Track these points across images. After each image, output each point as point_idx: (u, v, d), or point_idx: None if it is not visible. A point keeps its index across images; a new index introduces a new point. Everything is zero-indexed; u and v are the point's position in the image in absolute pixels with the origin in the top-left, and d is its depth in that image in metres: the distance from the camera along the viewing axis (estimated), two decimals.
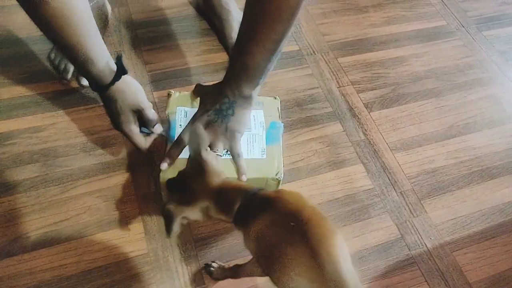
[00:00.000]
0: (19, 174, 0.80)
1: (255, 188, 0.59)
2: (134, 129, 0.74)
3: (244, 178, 0.70)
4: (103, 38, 0.99)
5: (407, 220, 0.83)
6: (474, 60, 1.14)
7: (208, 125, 0.69)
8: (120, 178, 0.82)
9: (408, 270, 0.77)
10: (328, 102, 0.99)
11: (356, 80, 1.04)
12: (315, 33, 1.12)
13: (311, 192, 0.85)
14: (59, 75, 0.92)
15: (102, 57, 0.68)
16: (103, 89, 0.70)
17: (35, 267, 0.71)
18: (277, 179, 0.72)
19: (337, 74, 1.05)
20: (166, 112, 0.78)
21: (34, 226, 0.75)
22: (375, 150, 0.93)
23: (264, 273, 0.57)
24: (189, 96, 0.80)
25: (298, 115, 0.96)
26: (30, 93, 0.90)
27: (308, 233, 0.52)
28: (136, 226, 0.77)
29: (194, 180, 0.60)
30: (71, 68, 0.92)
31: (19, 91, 0.90)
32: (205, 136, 0.67)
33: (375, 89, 1.03)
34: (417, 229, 0.82)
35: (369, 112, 0.99)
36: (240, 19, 1.03)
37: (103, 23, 1.01)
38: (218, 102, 0.69)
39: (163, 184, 0.68)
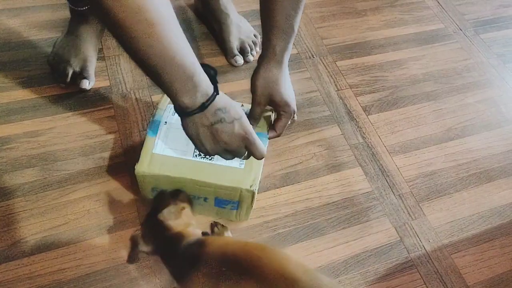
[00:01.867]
0: (18, 178, 0.80)
1: (189, 241, 0.58)
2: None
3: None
4: (101, 42, 1.01)
5: (406, 223, 0.83)
6: (472, 63, 1.14)
7: None
8: (119, 182, 0.82)
9: (407, 272, 0.77)
10: (326, 105, 1.00)
11: (355, 83, 1.05)
12: (314, 37, 1.13)
13: (310, 195, 0.85)
14: (58, 78, 0.93)
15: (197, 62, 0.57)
16: (213, 96, 0.57)
17: (34, 271, 0.71)
18: (251, 190, 0.69)
19: (336, 78, 1.05)
20: (156, 107, 0.77)
21: (33, 230, 0.75)
22: (373, 153, 0.93)
23: None
24: None
25: (296, 118, 0.96)
26: (28, 97, 0.90)
27: (243, 263, 0.51)
28: (134, 231, 0.77)
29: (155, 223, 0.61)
30: (70, 72, 0.92)
31: (18, 95, 0.90)
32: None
33: (374, 92, 1.04)
34: (415, 232, 0.82)
35: (367, 115, 0.99)
36: (239, 23, 1.05)
37: (100, 26, 1.01)
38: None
39: (140, 177, 0.70)
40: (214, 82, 0.58)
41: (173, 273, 0.59)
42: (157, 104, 0.78)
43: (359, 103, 1.01)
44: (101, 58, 0.99)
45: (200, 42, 1.07)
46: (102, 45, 1.01)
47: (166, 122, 0.75)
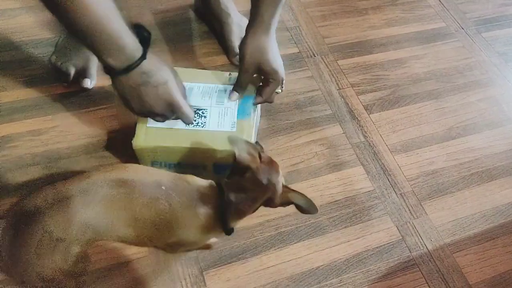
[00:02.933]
0: (21, 176, 0.80)
1: None
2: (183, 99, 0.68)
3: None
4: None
5: (408, 221, 0.83)
6: (474, 61, 1.14)
7: None
8: None
9: (409, 271, 0.77)
10: (327, 104, 1.00)
11: (356, 82, 1.05)
12: (315, 36, 1.13)
13: (312, 194, 0.85)
14: (60, 78, 0.93)
15: (127, 29, 0.59)
16: (140, 60, 0.60)
17: None
18: None
19: (337, 76, 1.05)
20: None
21: None
22: (375, 152, 0.93)
23: None
24: (190, 72, 0.81)
25: (298, 117, 0.96)
26: (31, 96, 0.91)
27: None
28: None
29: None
30: (72, 71, 0.92)
31: (20, 94, 0.91)
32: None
33: (375, 91, 1.04)
34: (417, 231, 0.82)
35: (369, 114, 0.99)
36: (240, 22, 1.05)
37: None
38: None
39: (138, 151, 0.73)
40: (146, 45, 0.61)
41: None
42: None
43: (360, 102, 1.01)
44: None
45: (201, 41, 1.07)
46: None
47: None
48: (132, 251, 0.75)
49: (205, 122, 0.74)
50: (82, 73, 0.93)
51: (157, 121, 0.69)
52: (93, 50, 0.58)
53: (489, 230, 0.84)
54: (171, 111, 0.67)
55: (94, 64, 0.95)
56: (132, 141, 0.72)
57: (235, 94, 0.77)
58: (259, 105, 0.81)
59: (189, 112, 0.69)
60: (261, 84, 0.79)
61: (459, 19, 1.24)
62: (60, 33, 0.99)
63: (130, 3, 1.10)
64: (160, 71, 0.63)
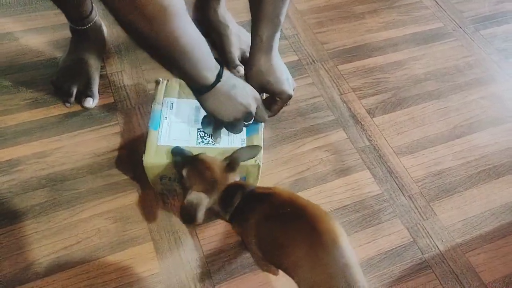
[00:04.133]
0: (28, 200, 0.80)
1: (252, 186, 0.65)
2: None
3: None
4: (103, 60, 1.02)
5: (418, 223, 0.83)
6: (473, 59, 1.14)
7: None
8: (128, 198, 0.82)
9: (422, 274, 0.77)
10: (330, 110, 1.00)
11: (357, 87, 1.05)
12: (314, 42, 1.13)
13: (320, 201, 0.84)
14: (62, 98, 0.93)
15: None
16: (220, 75, 0.65)
17: None
18: (257, 164, 0.74)
19: (338, 82, 1.05)
20: (153, 101, 0.81)
21: (46, 251, 0.75)
22: (380, 155, 0.93)
23: (266, 260, 0.62)
24: (177, 84, 0.84)
25: (301, 125, 0.96)
26: (34, 118, 0.91)
27: (307, 214, 0.57)
28: (147, 246, 0.77)
29: (216, 169, 0.65)
30: (74, 91, 0.93)
31: (24, 117, 0.91)
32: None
33: (377, 94, 1.04)
34: (428, 232, 0.82)
35: (372, 118, 0.99)
36: (239, 33, 1.05)
37: (101, 44, 1.02)
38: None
39: (148, 168, 0.74)
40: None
41: (231, 218, 0.65)
42: (153, 97, 0.82)
43: (363, 106, 1.01)
44: (103, 75, 1.00)
45: None
46: (104, 63, 1.02)
47: (166, 117, 0.79)
48: (143, 269, 0.74)
49: (218, 136, 0.77)
50: (84, 92, 0.93)
51: (238, 130, 0.74)
52: (191, 71, 0.62)
53: (500, 228, 0.83)
54: (257, 106, 0.72)
55: (96, 83, 0.96)
56: (142, 158, 0.73)
57: None
58: None
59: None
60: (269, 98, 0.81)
61: (456, 18, 1.25)
62: (60, 54, 1.00)
63: None
64: (233, 75, 0.70)
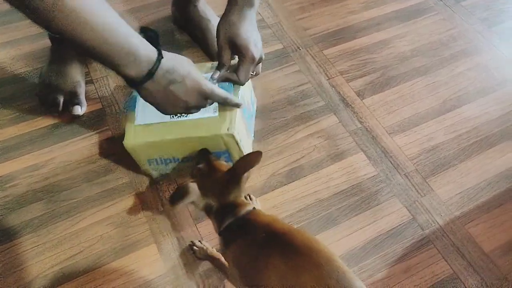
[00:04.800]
0: (26, 215, 0.79)
1: (249, 210, 0.62)
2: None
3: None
4: (87, 66, 1.00)
5: (416, 200, 0.84)
6: (457, 32, 1.14)
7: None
8: (127, 202, 0.82)
9: (424, 249, 0.78)
10: (319, 96, 1.00)
11: (344, 70, 1.05)
12: (297, 29, 1.13)
13: (317, 187, 0.85)
14: (50, 108, 0.92)
15: (137, 34, 0.57)
16: (158, 60, 0.58)
17: None
18: (231, 134, 0.71)
19: (325, 67, 1.05)
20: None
21: (49, 264, 0.74)
22: (373, 136, 0.93)
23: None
24: None
25: (292, 113, 0.96)
26: (23, 131, 0.90)
27: (286, 239, 0.55)
28: (150, 248, 0.77)
29: (220, 181, 0.63)
30: (61, 100, 0.92)
31: (12, 131, 0.90)
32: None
33: (364, 75, 1.04)
34: (426, 208, 0.83)
35: (361, 100, 0.99)
36: None
37: None
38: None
39: (130, 150, 0.75)
40: (156, 44, 0.59)
41: (220, 232, 0.64)
42: None
43: (351, 88, 1.01)
44: (89, 81, 0.99)
45: (185, 50, 1.07)
46: (88, 68, 1.01)
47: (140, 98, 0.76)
48: (149, 271, 0.75)
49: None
50: (71, 100, 0.92)
51: (193, 113, 0.70)
52: (110, 66, 0.57)
53: (497, 197, 0.85)
54: (204, 99, 0.66)
55: (82, 90, 0.95)
56: (123, 142, 0.73)
57: (217, 73, 0.76)
58: (248, 98, 0.82)
59: (221, 92, 0.68)
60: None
61: None
62: (41, 64, 0.98)
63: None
64: (180, 63, 0.62)
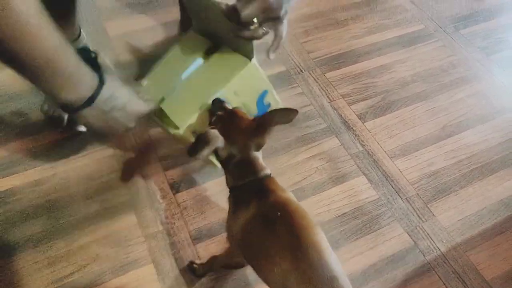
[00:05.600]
0: (26, 231, 0.79)
1: (264, 174, 0.62)
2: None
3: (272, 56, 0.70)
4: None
5: (417, 226, 0.84)
6: (457, 59, 1.17)
7: None
8: (126, 220, 0.81)
9: (425, 276, 0.77)
10: (321, 118, 1.01)
11: (346, 93, 1.06)
12: (300, 52, 1.15)
13: (319, 209, 0.85)
14: (54, 125, 0.92)
15: (78, 58, 0.53)
16: (99, 89, 0.54)
17: None
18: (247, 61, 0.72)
19: (327, 90, 1.07)
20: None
21: (46, 281, 0.73)
22: (374, 159, 0.94)
23: (246, 262, 0.60)
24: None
25: (294, 135, 0.97)
26: (27, 147, 0.90)
27: (293, 223, 0.56)
28: (148, 268, 0.76)
29: (243, 127, 0.62)
30: (65, 116, 0.92)
31: (16, 146, 0.90)
32: None
33: (366, 99, 1.05)
34: (428, 234, 0.83)
35: (363, 123, 1.00)
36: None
37: None
38: None
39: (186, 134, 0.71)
40: (97, 68, 0.55)
41: (230, 187, 0.64)
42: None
43: (353, 111, 1.02)
44: None
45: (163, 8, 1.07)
46: None
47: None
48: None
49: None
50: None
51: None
52: (47, 90, 0.52)
53: (498, 224, 0.85)
54: (142, 120, 0.64)
55: None
56: (171, 132, 0.70)
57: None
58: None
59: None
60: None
61: (436, 19, 1.27)
62: None
63: (115, 43, 1.11)
64: (120, 89, 0.59)
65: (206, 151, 0.59)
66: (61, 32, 0.49)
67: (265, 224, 0.57)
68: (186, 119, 0.71)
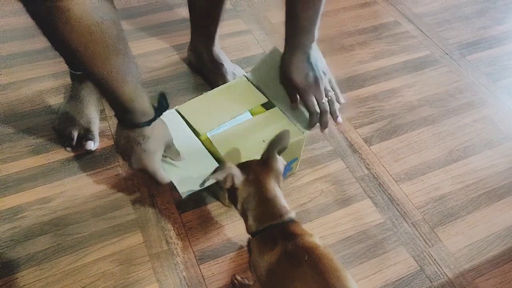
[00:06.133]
0: (31, 248, 0.79)
1: (289, 219, 0.61)
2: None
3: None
4: (102, 104, 1.04)
5: (424, 251, 0.83)
6: (463, 84, 1.17)
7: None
8: (132, 239, 0.82)
9: None
10: (327, 141, 1.01)
11: (352, 116, 1.07)
12: None
13: (323, 232, 0.84)
14: (64, 142, 0.95)
15: (143, 89, 0.65)
16: (143, 124, 0.66)
17: None
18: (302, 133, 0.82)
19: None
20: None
21: None
22: (380, 183, 0.93)
23: None
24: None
25: (300, 157, 0.97)
26: (37, 164, 0.92)
27: (321, 266, 0.54)
28: (152, 287, 0.76)
29: (253, 167, 0.64)
30: (76, 134, 0.94)
31: (26, 163, 0.92)
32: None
33: (372, 123, 1.06)
34: (435, 259, 0.81)
35: (369, 146, 1.01)
36: (234, 71, 1.08)
37: None
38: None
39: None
40: (158, 112, 0.68)
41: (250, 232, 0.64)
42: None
43: (359, 135, 1.03)
44: (103, 118, 1.02)
45: (198, 93, 1.09)
46: (103, 106, 1.04)
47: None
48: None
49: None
50: (85, 135, 0.95)
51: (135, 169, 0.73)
52: (115, 105, 0.64)
53: (506, 251, 0.83)
54: (144, 172, 0.72)
55: (96, 126, 0.98)
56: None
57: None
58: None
59: (161, 178, 0.73)
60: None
61: (442, 45, 1.29)
62: (61, 100, 1.02)
63: None
64: (155, 140, 0.69)
65: (219, 176, 0.62)
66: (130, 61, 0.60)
67: (291, 266, 0.56)
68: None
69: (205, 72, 1.12)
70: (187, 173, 0.76)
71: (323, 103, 0.80)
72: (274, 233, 0.59)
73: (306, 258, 0.55)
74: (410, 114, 1.09)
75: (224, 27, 1.06)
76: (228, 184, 0.63)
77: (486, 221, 0.88)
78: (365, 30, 1.32)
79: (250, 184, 0.63)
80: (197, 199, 0.88)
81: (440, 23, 1.37)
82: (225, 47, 1.13)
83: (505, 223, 0.87)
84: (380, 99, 1.12)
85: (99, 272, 0.77)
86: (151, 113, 0.67)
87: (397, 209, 0.89)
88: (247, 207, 0.63)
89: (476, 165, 0.98)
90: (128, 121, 0.66)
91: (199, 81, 1.13)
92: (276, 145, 0.65)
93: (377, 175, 0.95)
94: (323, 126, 0.81)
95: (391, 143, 1.02)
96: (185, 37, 1.20)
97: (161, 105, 0.68)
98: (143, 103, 0.65)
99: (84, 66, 0.57)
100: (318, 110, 0.80)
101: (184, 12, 1.31)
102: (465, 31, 1.35)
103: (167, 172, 0.75)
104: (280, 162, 0.66)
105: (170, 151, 0.76)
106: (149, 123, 0.67)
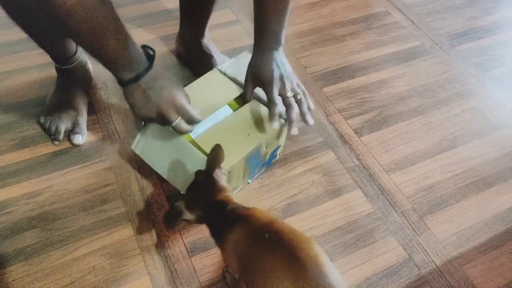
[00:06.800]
0: (19, 243, 0.78)
1: (234, 205, 0.65)
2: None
3: (276, 125, 0.80)
4: (90, 96, 1.02)
5: (412, 239, 0.83)
6: (452, 74, 1.18)
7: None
8: (122, 233, 0.81)
9: None
10: (318, 132, 1.01)
11: (343, 108, 1.07)
12: (297, 67, 1.16)
13: (314, 223, 0.85)
14: (51, 137, 0.93)
15: (134, 43, 0.67)
16: (147, 69, 0.68)
17: None
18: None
19: (324, 104, 1.07)
20: None
21: None
22: (370, 173, 0.94)
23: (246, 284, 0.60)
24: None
25: (291, 148, 0.97)
26: (23, 158, 0.91)
27: (284, 240, 0.56)
28: (143, 281, 0.76)
29: (202, 189, 0.68)
30: (63, 129, 0.93)
31: (12, 157, 0.90)
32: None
33: (362, 114, 1.06)
34: (423, 247, 0.82)
35: (359, 137, 1.01)
36: (222, 62, 1.07)
37: (87, 81, 1.02)
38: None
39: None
40: (151, 59, 0.70)
41: (213, 234, 0.67)
42: None
43: (349, 126, 1.03)
44: (91, 111, 1.01)
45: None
46: (91, 99, 1.03)
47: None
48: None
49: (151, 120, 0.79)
50: (73, 129, 0.94)
51: (161, 124, 0.74)
52: (109, 66, 0.67)
53: (494, 238, 0.84)
54: (175, 111, 0.72)
55: (84, 120, 0.96)
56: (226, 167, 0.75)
57: None
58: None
59: (193, 112, 0.73)
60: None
61: (432, 36, 1.29)
62: (46, 92, 1.00)
63: None
64: (165, 78, 0.71)
65: (179, 223, 0.68)
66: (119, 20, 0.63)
67: (254, 246, 0.58)
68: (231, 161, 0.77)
69: (194, 63, 1.10)
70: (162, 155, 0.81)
71: (287, 97, 0.79)
72: (224, 224, 0.63)
73: (266, 236, 0.57)
74: (400, 105, 1.09)
75: (212, 18, 1.05)
76: (184, 222, 0.68)
77: (474, 209, 0.88)
78: (356, 20, 1.32)
79: (195, 210, 0.67)
80: None
81: (430, 13, 1.37)
82: (214, 38, 1.12)
83: (493, 210, 0.88)
84: (370, 90, 1.12)
85: (89, 266, 0.77)
86: (146, 61, 0.69)
87: (387, 199, 0.89)
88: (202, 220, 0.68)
89: (465, 155, 0.99)
90: (131, 75, 0.68)
91: (187, 73, 1.12)
92: (214, 163, 0.68)
93: (367, 166, 0.95)
94: (290, 122, 0.78)
95: (381, 134, 1.02)
96: (172, 28, 1.18)
97: (149, 54, 0.70)
98: (138, 52, 0.68)
99: (69, 25, 0.59)
100: (277, 102, 0.78)
101: (169, 2, 1.29)
102: (455, 21, 1.35)
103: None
104: (220, 175, 0.69)
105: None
106: (149, 67, 0.69)
